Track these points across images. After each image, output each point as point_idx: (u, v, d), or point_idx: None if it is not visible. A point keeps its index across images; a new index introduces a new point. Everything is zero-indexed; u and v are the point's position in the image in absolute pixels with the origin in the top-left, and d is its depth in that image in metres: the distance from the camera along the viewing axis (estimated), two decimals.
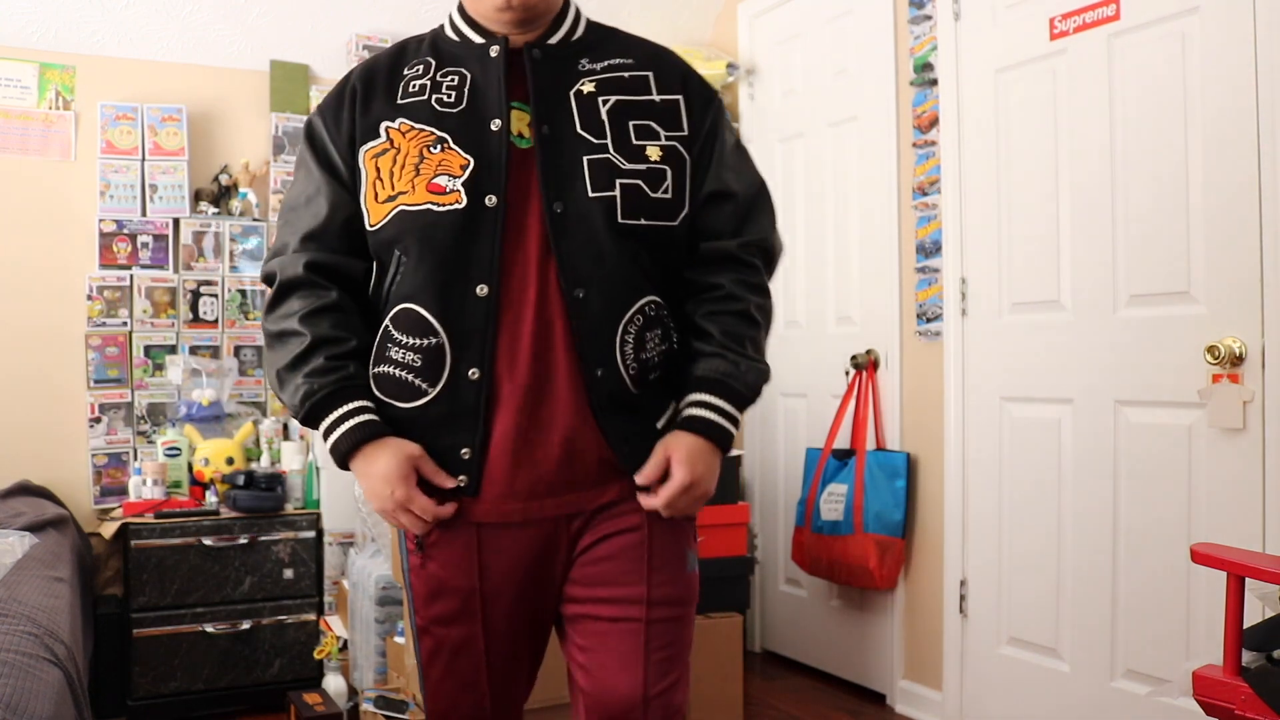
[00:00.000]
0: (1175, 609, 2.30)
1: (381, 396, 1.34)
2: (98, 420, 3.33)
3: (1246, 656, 1.45)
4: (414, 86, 1.36)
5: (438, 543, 1.35)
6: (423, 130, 1.32)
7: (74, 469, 3.32)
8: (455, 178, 1.29)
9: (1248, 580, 1.46)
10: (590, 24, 1.43)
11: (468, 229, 1.28)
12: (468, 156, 1.30)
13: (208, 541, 3.06)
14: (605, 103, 1.34)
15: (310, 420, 1.33)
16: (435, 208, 1.28)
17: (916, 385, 3.02)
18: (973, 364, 2.82)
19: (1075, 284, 2.53)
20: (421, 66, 1.38)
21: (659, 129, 1.35)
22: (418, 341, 1.30)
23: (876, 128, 3.14)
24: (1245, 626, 1.46)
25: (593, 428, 1.31)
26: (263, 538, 3.13)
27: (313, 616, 3.19)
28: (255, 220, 3.53)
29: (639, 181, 1.31)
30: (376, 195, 1.32)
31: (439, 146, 1.31)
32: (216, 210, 3.50)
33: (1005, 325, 2.73)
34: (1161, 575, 2.32)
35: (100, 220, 3.35)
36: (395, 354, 1.32)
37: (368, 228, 1.33)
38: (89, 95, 3.38)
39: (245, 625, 3.10)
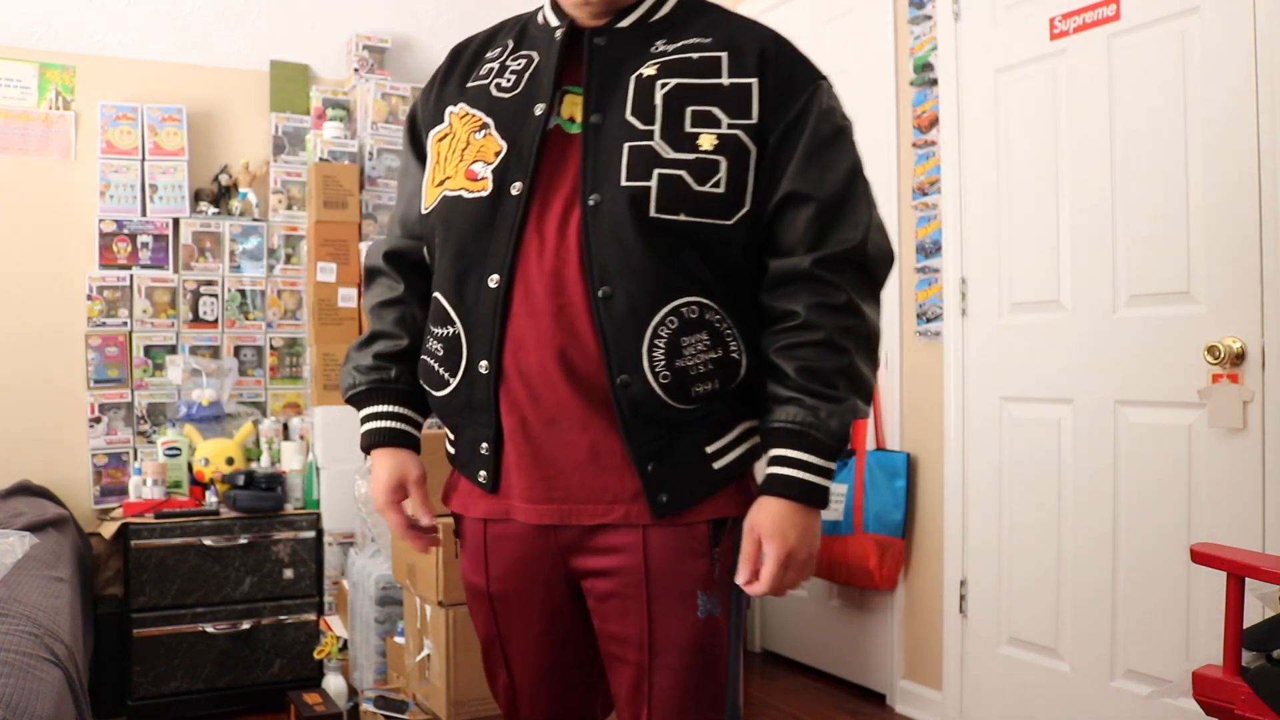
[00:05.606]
0: (1175, 609, 2.30)
1: (423, 384, 1.33)
2: (98, 420, 3.33)
3: (1246, 656, 1.45)
4: (484, 70, 1.33)
5: (464, 537, 1.35)
6: (474, 115, 1.28)
7: (74, 469, 3.32)
8: (488, 164, 1.24)
9: (1248, 580, 1.46)
10: (684, 2, 1.31)
11: (488, 218, 1.22)
12: (503, 143, 1.24)
13: (208, 541, 3.06)
14: (664, 86, 1.21)
15: (352, 406, 1.40)
16: (465, 194, 1.24)
17: (916, 385, 3.02)
18: (973, 364, 2.82)
19: (1075, 284, 2.53)
20: (501, 48, 1.34)
21: (722, 116, 1.20)
22: (442, 331, 1.27)
23: (876, 128, 3.14)
24: (1245, 626, 1.46)
25: (615, 440, 1.20)
26: (263, 538, 3.14)
27: (313, 616, 3.19)
28: (255, 220, 3.53)
29: (682, 172, 1.18)
30: (434, 179, 1.30)
31: (483, 132, 1.26)
32: (216, 210, 3.50)
33: (1005, 325, 2.73)
34: (1161, 575, 2.32)
35: (100, 220, 3.35)
36: (429, 343, 1.31)
37: (421, 211, 1.31)
38: (89, 95, 3.38)
39: (245, 625, 3.10)
